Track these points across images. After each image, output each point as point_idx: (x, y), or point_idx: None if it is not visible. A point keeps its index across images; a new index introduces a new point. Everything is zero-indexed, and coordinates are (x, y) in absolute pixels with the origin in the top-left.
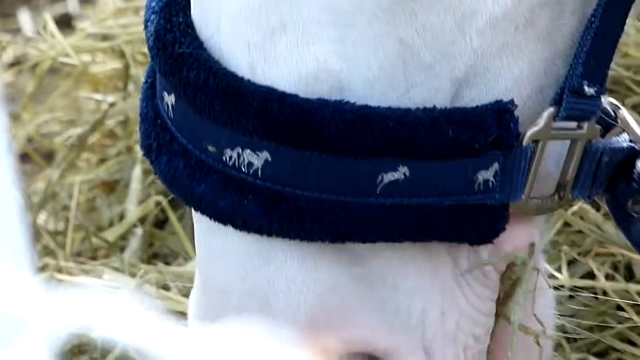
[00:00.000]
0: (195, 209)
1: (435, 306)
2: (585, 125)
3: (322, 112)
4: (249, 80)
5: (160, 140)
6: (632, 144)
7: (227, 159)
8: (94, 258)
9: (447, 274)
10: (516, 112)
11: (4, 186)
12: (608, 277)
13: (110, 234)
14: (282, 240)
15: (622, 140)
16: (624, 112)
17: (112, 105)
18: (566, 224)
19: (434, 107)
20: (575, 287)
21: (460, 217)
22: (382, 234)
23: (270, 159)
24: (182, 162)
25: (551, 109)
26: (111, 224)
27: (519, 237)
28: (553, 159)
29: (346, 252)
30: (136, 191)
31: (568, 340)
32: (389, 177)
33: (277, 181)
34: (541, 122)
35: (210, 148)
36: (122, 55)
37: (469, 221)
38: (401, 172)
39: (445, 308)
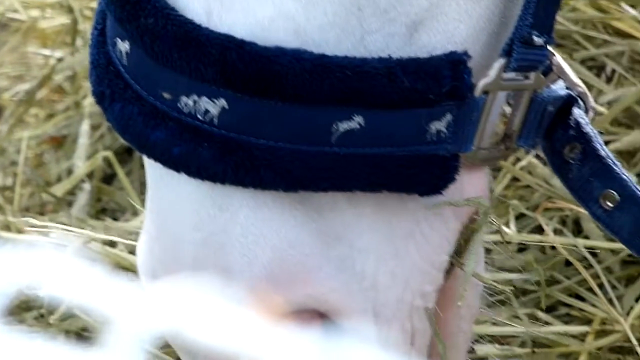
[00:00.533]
0: (148, 156)
1: (387, 267)
2: (532, 75)
3: (280, 60)
4: (207, 28)
5: (113, 87)
6: (569, 91)
7: (183, 106)
8: (42, 213)
9: (402, 228)
10: (473, 61)
11: None
12: (556, 232)
13: (59, 189)
14: (236, 189)
15: (560, 88)
16: (559, 59)
17: (60, 60)
18: (514, 179)
19: (390, 57)
20: (523, 242)
21: (412, 167)
22: (335, 183)
23: (227, 106)
24: (136, 109)
25: (502, 60)
26: (59, 179)
27: (476, 185)
28: (498, 109)
29: (303, 205)
30: (84, 146)
31: (516, 295)
32: (344, 126)
33: (233, 129)
34: (493, 73)
35: (166, 95)
36: (70, 10)
37: (421, 172)
38: (356, 122)
39: (396, 268)
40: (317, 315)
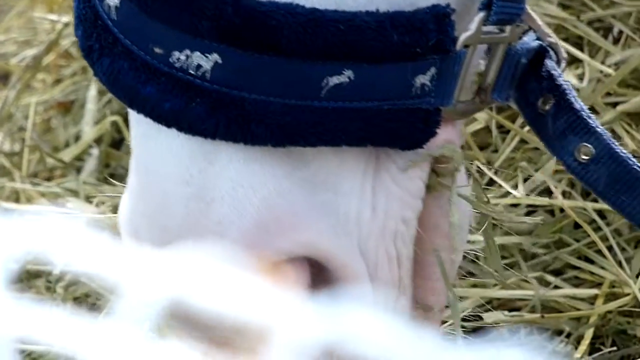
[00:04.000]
0: (139, 111)
1: (368, 203)
2: (508, 28)
3: (275, 15)
4: None
5: (102, 42)
6: (540, 42)
7: (175, 60)
8: (49, 179)
9: (379, 165)
10: (455, 15)
11: None
12: (565, 194)
13: (66, 155)
14: (226, 142)
15: (531, 39)
16: (527, 9)
17: (66, 25)
18: (522, 141)
19: (377, 10)
20: (531, 204)
21: (397, 121)
22: (324, 138)
23: (220, 61)
24: (126, 63)
25: (482, 14)
26: (67, 145)
27: (449, 133)
28: (475, 63)
29: (290, 156)
30: (92, 111)
31: (525, 258)
32: (334, 80)
33: (226, 84)
34: (473, 26)
35: (157, 50)
36: None
37: (405, 125)
38: (346, 76)
39: (376, 202)
40: (306, 264)
